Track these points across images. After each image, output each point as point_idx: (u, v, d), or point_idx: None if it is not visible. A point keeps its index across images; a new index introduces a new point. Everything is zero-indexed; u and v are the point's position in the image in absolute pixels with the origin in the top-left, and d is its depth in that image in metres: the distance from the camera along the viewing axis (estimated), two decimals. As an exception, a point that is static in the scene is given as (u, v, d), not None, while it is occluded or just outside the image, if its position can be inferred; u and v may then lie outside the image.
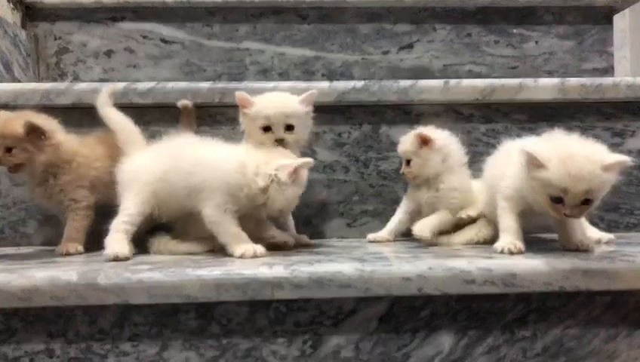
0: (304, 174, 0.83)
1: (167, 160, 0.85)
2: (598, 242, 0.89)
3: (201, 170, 0.81)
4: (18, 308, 0.68)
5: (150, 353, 0.69)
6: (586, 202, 0.72)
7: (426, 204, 0.93)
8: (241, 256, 0.78)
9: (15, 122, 0.86)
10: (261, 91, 1.01)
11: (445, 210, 0.91)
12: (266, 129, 0.87)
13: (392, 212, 0.98)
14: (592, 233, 0.91)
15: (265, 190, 0.80)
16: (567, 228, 0.79)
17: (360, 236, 1.02)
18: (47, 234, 1.01)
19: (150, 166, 0.85)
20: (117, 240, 0.81)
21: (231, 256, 0.80)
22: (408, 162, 0.92)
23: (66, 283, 0.67)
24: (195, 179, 0.81)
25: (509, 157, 0.81)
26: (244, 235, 0.81)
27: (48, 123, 0.89)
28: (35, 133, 0.87)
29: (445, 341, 0.71)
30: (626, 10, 2.22)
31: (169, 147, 0.87)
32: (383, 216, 1.02)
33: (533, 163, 0.72)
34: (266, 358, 0.70)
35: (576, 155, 0.71)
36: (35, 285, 0.66)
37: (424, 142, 0.90)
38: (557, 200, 0.72)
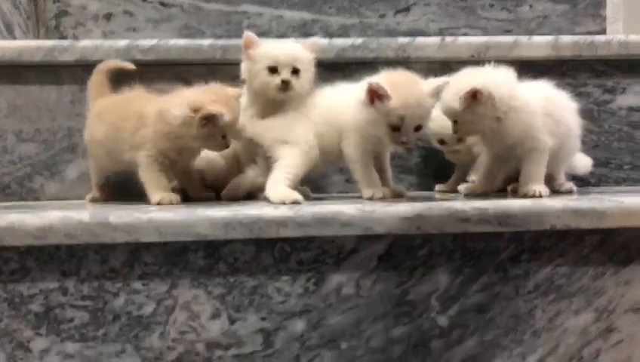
0: None
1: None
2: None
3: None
4: (32, 247, 0.70)
5: (160, 291, 0.72)
6: (418, 128, 0.82)
7: None
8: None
9: (235, 104, 0.85)
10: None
11: None
12: (272, 70, 0.88)
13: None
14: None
15: None
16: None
17: (357, 191, 1.05)
18: (53, 189, 1.03)
19: None
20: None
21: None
22: None
23: (79, 221, 0.69)
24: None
25: None
26: None
27: None
28: None
29: (442, 279, 0.74)
30: (619, -16, 2.23)
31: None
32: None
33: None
34: (271, 295, 0.73)
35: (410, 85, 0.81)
36: (50, 223, 0.69)
37: None
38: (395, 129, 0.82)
